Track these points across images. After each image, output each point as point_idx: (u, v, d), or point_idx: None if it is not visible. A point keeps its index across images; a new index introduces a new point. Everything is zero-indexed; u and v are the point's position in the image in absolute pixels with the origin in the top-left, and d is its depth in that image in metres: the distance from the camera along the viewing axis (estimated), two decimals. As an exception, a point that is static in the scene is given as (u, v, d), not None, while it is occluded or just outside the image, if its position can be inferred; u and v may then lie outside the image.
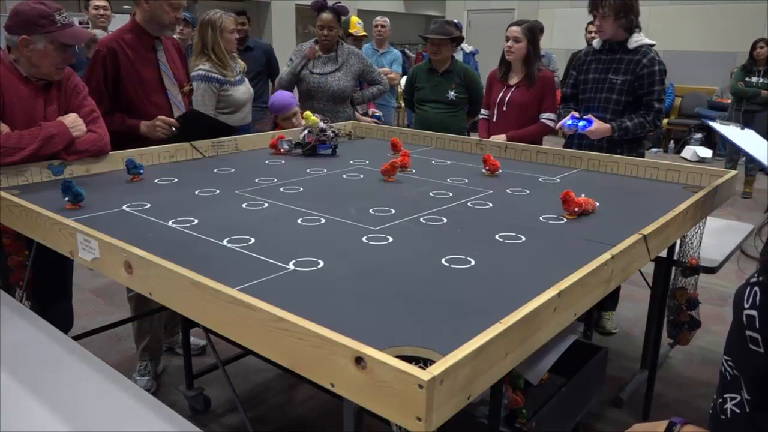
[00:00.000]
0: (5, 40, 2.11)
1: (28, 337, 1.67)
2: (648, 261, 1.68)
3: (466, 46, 6.43)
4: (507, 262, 1.47)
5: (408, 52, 8.11)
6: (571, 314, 1.26)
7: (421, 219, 1.79)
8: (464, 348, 0.95)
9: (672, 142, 9.23)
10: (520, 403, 1.63)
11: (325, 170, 2.44)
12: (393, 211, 1.85)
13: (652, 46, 2.88)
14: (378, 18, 5.70)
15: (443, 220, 1.78)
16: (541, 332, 1.15)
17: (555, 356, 1.78)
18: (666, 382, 2.87)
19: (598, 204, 1.85)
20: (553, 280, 1.23)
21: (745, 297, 0.95)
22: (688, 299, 2.52)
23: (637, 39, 2.86)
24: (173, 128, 2.56)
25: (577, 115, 2.90)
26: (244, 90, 3.39)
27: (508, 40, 3.28)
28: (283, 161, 2.63)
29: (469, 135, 3.64)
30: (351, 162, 2.60)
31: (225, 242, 1.55)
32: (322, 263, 1.42)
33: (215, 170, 2.40)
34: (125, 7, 8.25)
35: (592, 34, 4.71)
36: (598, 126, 2.82)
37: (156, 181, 2.20)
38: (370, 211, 1.86)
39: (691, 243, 2.38)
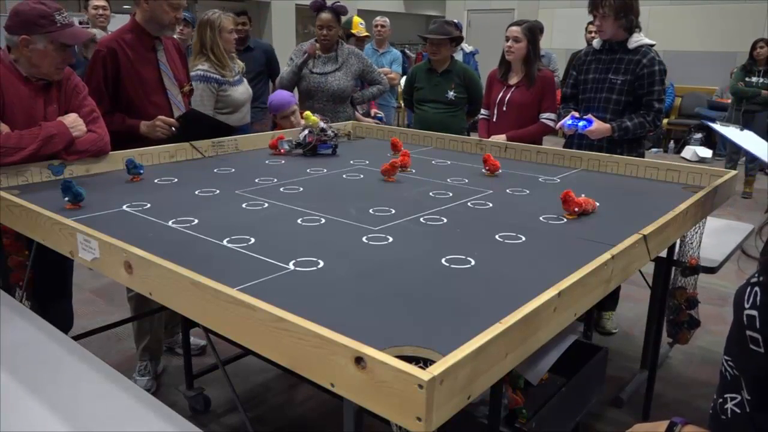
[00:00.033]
0: (5, 40, 2.11)
1: (28, 337, 1.67)
2: (648, 261, 1.68)
3: (466, 46, 6.43)
4: (507, 262, 1.47)
5: (408, 52, 8.10)
6: (571, 314, 1.26)
7: (421, 219, 1.79)
8: (464, 348, 0.95)
9: (672, 142, 9.23)
10: (520, 403, 1.63)
11: (325, 170, 2.44)
12: (393, 211, 1.85)
13: (652, 46, 2.88)
14: (378, 18, 5.70)
15: (443, 220, 1.78)
16: (541, 332, 1.15)
17: (555, 356, 1.78)
18: (666, 382, 2.87)
19: (598, 204, 1.85)
20: (553, 280, 1.23)
21: (746, 297, 0.95)
22: (687, 298, 2.52)
23: (637, 39, 2.86)
24: (173, 128, 2.56)
25: (577, 115, 2.90)
26: (242, 90, 3.39)
27: (508, 40, 3.28)
28: (283, 161, 2.63)
29: (468, 135, 3.64)
30: (351, 162, 2.60)
31: (225, 242, 1.55)
32: (322, 263, 1.42)
33: (215, 170, 2.40)
34: (125, 7, 8.24)
35: (592, 34, 4.71)
36: (598, 126, 2.82)
37: (156, 181, 2.20)
38: (370, 211, 1.85)
39: (691, 243, 2.38)
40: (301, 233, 1.66)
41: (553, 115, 3.28)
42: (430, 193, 2.09)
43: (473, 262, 1.44)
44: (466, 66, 4.00)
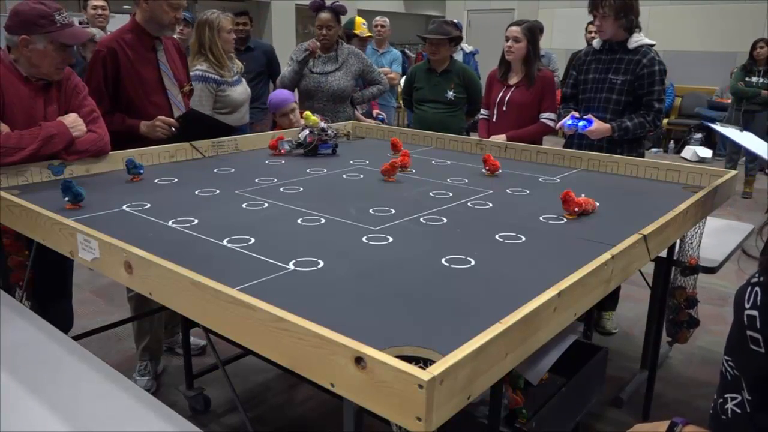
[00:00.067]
0: (5, 40, 2.11)
1: (28, 337, 1.67)
2: (648, 261, 1.68)
3: (466, 46, 6.42)
4: (507, 262, 1.47)
5: (408, 52, 8.09)
6: (571, 314, 1.26)
7: (421, 219, 1.79)
8: (464, 348, 0.95)
9: (672, 142, 9.23)
10: (520, 403, 1.63)
11: (325, 170, 2.44)
12: (393, 211, 1.85)
13: (652, 46, 2.88)
14: (378, 18, 5.70)
15: (443, 220, 1.78)
16: (541, 332, 1.15)
17: (555, 356, 1.78)
18: (666, 382, 2.87)
19: (598, 204, 1.85)
20: (553, 280, 1.23)
21: (746, 297, 0.95)
22: (687, 298, 2.53)
23: (637, 39, 2.86)
24: (173, 128, 2.56)
25: (577, 115, 2.90)
26: (241, 90, 3.39)
27: (507, 40, 3.28)
28: (283, 161, 2.63)
29: (468, 135, 3.64)
30: (351, 162, 2.60)
31: (225, 242, 1.55)
32: (322, 263, 1.42)
33: (215, 170, 2.40)
34: (125, 7, 8.24)
35: (592, 34, 4.71)
36: (598, 126, 2.82)
37: (156, 181, 2.20)
38: (370, 211, 1.85)
39: (691, 243, 2.38)
40: (301, 233, 1.66)
41: (553, 115, 3.28)
42: (430, 193, 2.09)
43: (473, 262, 1.44)
44: (465, 66, 4.00)
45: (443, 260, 1.44)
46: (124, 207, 1.86)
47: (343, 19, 3.86)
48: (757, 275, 0.96)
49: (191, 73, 3.08)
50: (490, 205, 1.97)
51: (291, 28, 11.18)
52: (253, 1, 10.64)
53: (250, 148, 2.82)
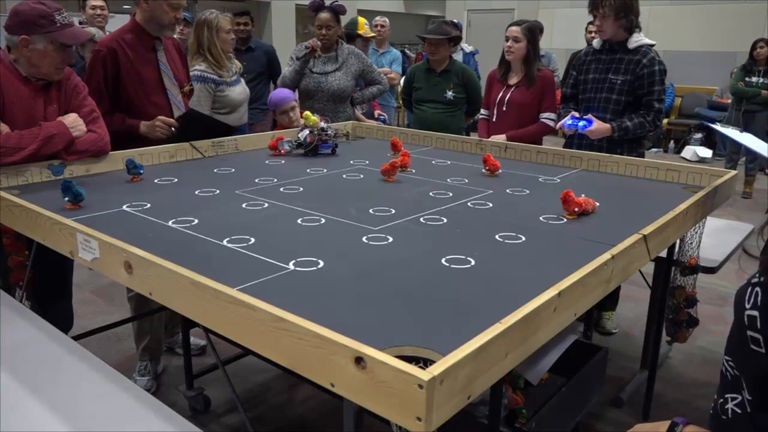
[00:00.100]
0: (5, 40, 2.11)
1: (28, 337, 1.67)
2: (648, 261, 1.68)
3: (466, 46, 6.42)
4: (507, 262, 1.47)
5: (408, 52, 8.09)
6: (571, 314, 1.26)
7: (421, 219, 1.79)
8: (464, 348, 0.95)
9: (672, 142, 9.23)
10: (520, 403, 1.63)
11: (325, 170, 2.44)
12: (393, 211, 1.85)
13: (652, 46, 2.88)
14: (378, 18, 5.69)
15: (443, 220, 1.78)
16: (541, 332, 1.15)
17: (555, 356, 1.78)
18: (666, 382, 2.87)
19: (598, 204, 1.85)
20: (553, 280, 1.23)
21: (747, 297, 0.95)
22: (686, 297, 2.53)
23: (637, 39, 2.86)
24: (173, 128, 2.56)
25: (577, 115, 2.90)
26: (240, 90, 3.38)
27: (507, 40, 3.28)
28: (283, 161, 2.63)
29: (468, 135, 3.63)
30: (351, 162, 2.60)
31: (225, 242, 1.55)
32: (322, 263, 1.42)
33: (215, 170, 2.40)
34: (125, 7, 8.24)
35: (592, 34, 4.71)
36: (598, 126, 2.82)
37: (156, 181, 2.20)
38: (370, 211, 1.85)
39: (691, 243, 2.38)
40: (301, 233, 1.66)
41: (553, 115, 3.28)
42: (430, 193, 2.09)
43: (473, 262, 1.44)
44: (464, 66, 4.00)
45: (443, 260, 1.44)
46: (124, 207, 1.86)
47: (344, 20, 3.86)
48: (757, 275, 0.96)
49: (190, 73, 3.08)
50: (490, 205, 1.97)
51: (291, 28, 11.17)
52: (253, 1, 10.64)
53: (250, 148, 2.82)
